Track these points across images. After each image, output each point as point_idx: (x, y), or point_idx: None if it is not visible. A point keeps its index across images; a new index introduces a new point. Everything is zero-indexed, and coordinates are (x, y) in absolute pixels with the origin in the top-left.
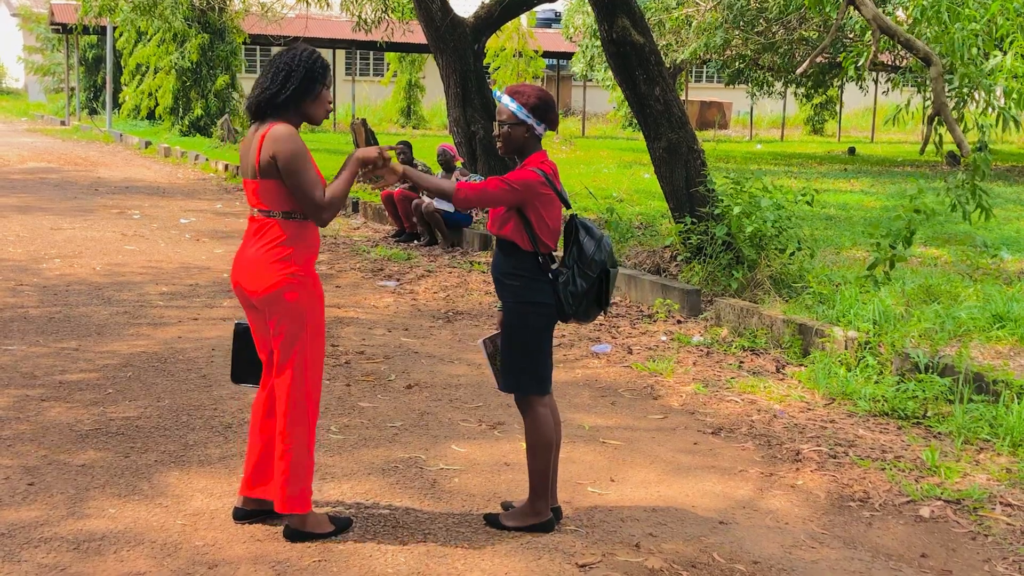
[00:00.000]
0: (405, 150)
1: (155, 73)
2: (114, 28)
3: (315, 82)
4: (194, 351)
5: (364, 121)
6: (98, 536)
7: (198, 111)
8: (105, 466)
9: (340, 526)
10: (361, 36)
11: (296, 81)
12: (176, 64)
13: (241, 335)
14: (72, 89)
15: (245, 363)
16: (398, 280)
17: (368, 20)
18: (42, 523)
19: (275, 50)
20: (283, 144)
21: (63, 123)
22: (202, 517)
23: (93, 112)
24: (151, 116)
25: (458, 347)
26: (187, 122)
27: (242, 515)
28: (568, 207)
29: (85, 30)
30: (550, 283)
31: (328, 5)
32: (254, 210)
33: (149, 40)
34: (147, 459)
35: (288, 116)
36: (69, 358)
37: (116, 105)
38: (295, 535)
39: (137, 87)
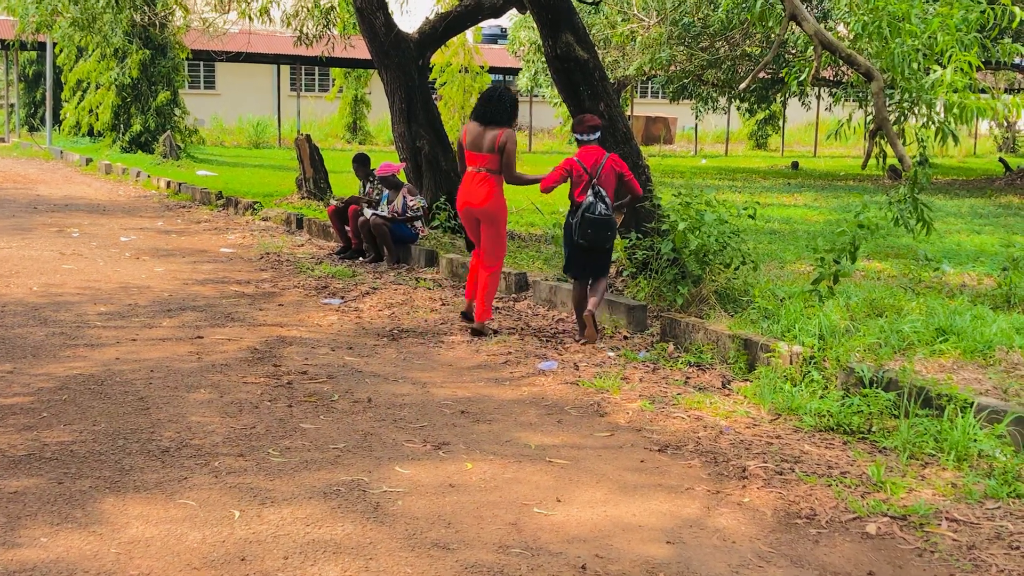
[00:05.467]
0: (364, 161)
1: (96, 89)
2: (54, 44)
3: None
4: (132, 373)
5: (308, 137)
6: (29, 566)
7: (137, 127)
8: (38, 493)
9: (496, 331)
10: (304, 51)
11: (515, 109)
12: (116, 80)
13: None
14: (11, 106)
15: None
16: (342, 298)
17: (309, 35)
18: None
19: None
20: (513, 141)
21: (2, 140)
22: (137, 545)
23: (33, 129)
24: (92, 133)
25: (403, 365)
26: (128, 138)
27: (467, 311)
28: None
29: (23, 46)
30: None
31: (271, 20)
32: (480, 168)
33: (90, 56)
34: (81, 485)
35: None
36: (3, 381)
37: (57, 122)
38: (480, 332)
39: (78, 103)
